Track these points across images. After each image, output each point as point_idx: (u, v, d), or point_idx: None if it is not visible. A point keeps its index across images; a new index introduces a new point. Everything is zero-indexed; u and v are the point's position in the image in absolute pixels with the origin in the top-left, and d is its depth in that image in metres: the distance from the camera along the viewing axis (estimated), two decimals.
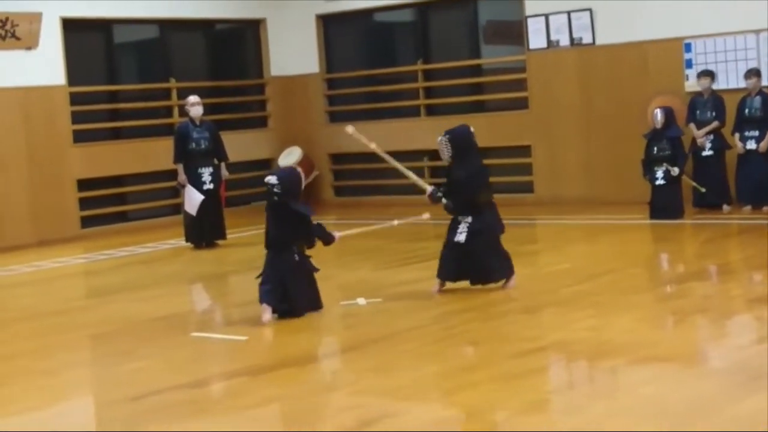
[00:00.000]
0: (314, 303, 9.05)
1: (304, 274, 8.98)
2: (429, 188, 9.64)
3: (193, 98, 13.78)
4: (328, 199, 18.02)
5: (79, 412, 6.96)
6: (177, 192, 16.77)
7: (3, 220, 14.85)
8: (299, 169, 9.37)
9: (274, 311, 8.81)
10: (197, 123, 13.67)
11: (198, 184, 13.45)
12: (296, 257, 8.88)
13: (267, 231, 8.99)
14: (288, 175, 9.02)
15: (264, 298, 8.81)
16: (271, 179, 8.83)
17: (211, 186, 13.55)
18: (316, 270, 9.05)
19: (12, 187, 14.95)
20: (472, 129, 9.59)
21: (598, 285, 9.53)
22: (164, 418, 6.33)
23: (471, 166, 9.41)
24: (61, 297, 11.22)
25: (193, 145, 13.53)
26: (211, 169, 13.56)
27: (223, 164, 13.81)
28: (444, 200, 9.47)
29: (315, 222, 9.02)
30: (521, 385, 6.54)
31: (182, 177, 13.53)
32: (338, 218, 16.26)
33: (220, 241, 13.69)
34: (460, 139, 9.43)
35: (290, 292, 8.85)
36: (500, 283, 9.49)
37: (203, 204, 13.35)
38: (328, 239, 9.11)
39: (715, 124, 13.78)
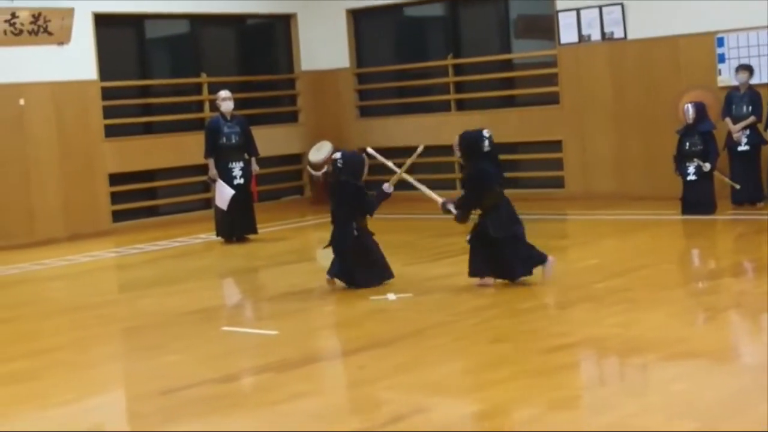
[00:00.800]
0: (379, 275, 9.84)
1: (363, 248, 9.79)
2: (440, 200, 9.83)
3: (224, 93, 13.82)
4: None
5: (112, 406, 7.00)
6: (208, 186, 16.86)
7: (36, 214, 14.96)
8: (364, 155, 10.14)
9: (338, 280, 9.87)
10: (228, 118, 13.70)
11: (228, 179, 13.49)
12: (355, 233, 9.74)
13: (331, 208, 9.99)
14: (351, 156, 10.10)
15: (329, 269, 9.91)
16: (337, 155, 9.96)
17: (242, 181, 13.59)
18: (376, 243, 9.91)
19: (44, 182, 15.05)
20: (487, 134, 9.63)
21: (630, 281, 9.49)
22: (195, 412, 6.36)
23: (472, 169, 9.62)
24: (95, 291, 11.31)
25: (224, 139, 13.57)
26: (241, 164, 13.60)
27: (253, 159, 13.84)
28: (453, 211, 9.61)
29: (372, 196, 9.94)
30: (551, 381, 6.52)
31: (213, 171, 13.58)
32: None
33: (250, 236, 13.73)
34: (467, 143, 9.68)
35: (348, 266, 9.76)
36: (532, 277, 9.50)
37: (234, 199, 13.39)
38: (383, 198, 10.00)
39: (751, 118, 13.66)
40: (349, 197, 9.78)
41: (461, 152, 9.75)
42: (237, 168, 13.55)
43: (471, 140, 9.65)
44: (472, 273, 9.61)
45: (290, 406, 6.36)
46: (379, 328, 8.38)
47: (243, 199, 13.60)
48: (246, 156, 13.74)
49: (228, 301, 10.76)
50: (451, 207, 9.63)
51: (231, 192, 13.42)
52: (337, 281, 9.95)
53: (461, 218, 9.64)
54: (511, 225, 9.52)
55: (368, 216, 9.93)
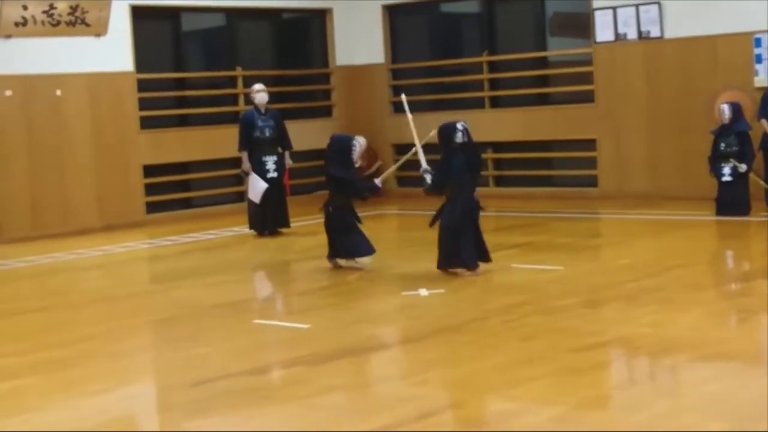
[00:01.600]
0: (356, 250, 10.73)
1: (338, 225, 10.74)
2: (424, 165, 10.27)
3: (258, 86, 13.87)
4: (392, 190, 18.01)
5: (144, 396, 7.07)
6: (241, 179, 16.93)
7: (70, 204, 15.06)
8: (357, 140, 10.71)
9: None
10: (262, 111, 13.73)
11: (262, 173, 13.52)
12: (330, 210, 10.74)
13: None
14: (337, 140, 10.98)
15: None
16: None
17: (275, 174, 13.63)
18: (359, 221, 10.85)
19: (80, 172, 15.15)
20: (461, 126, 10.00)
21: (662, 281, 9.44)
22: (226, 405, 6.39)
23: (441, 159, 10.04)
24: (128, 281, 11.39)
25: (258, 133, 13.61)
26: (275, 158, 13.62)
27: (287, 153, 13.87)
28: (427, 182, 10.15)
29: (361, 181, 11.03)
30: (582, 380, 6.51)
31: (246, 165, 13.62)
32: (400, 209, 16.31)
33: (283, 230, 13.76)
34: (442, 133, 10.11)
35: (330, 239, 10.86)
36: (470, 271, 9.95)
37: (267, 192, 13.43)
38: (371, 191, 11.03)
39: None
40: (330, 180, 10.78)
41: (438, 142, 10.16)
42: (270, 162, 13.58)
43: (445, 132, 10.07)
44: (438, 265, 10.09)
45: (321, 399, 6.38)
46: (411, 324, 8.39)
47: (276, 192, 13.63)
48: (280, 150, 13.77)
49: (260, 295, 10.80)
50: (428, 177, 10.16)
51: (264, 185, 13.47)
52: (340, 261, 10.80)
53: (427, 193, 10.28)
54: (462, 220, 9.88)
55: (350, 198, 10.85)
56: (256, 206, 13.58)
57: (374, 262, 10.95)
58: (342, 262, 10.84)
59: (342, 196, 10.78)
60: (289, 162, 13.93)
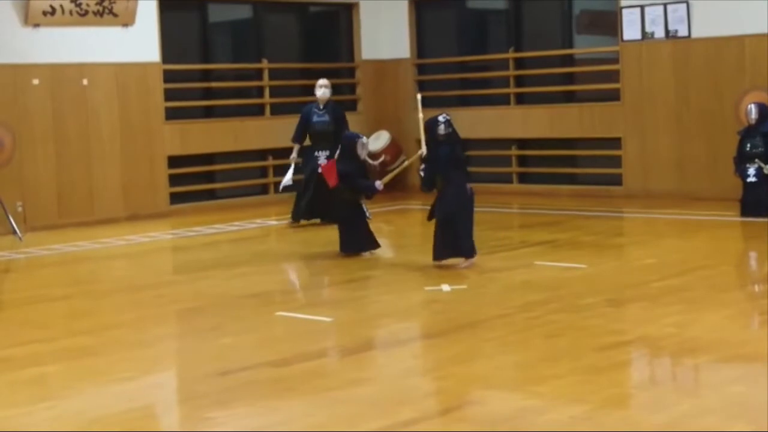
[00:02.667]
0: (359, 245, 11.16)
1: (348, 220, 11.18)
2: (420, 162, 10.66)
3: (320, 81, 14.12)
4: (416, 185, 18.00)
5: (169, 385, 7.12)
6: (265, 172, 17.06)
7: (96, 193, 15.14)
8: (360, 139, 11.21)
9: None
10: (321, 106, 13.95)
11: (313, 166, 13.63)
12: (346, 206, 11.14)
13: None
14: (345, 137, 11.62)
15: None
16: None
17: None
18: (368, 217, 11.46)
19: (105, 161, 15.22)
20: (442, 119, 10.25)
21: (687, 281, 9.42)
22: (250, 395, 6.43)
23: (428, 152, 10.37)
24: (153, 271, 11.46)
25: (313, 127, 13.79)
26: (327, 152, 13.57)
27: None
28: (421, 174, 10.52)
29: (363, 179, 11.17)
30: (604, 378, 6.51)
31: (293, 156, 13.90)
32: (424, 204, 16.28)
33: (320, 222, 13.78)
34: (426, 127, 10.48)
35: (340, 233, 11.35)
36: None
37: (316, 184, 13.39)
38: (369, 191, 11.20)
39: None
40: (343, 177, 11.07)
41: (424, 137, 10.49)
42: (322, 156, 13.66)
43: (428, 125, 10.41)
44: (433, 257, 10.27)
45: (344, 392, 6.41)
46: (434, 319, 8.41)
47: (322, 186, 13.62)
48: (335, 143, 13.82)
49: (285, 287, 10.83)
50: (422, 173, 10.45)
51: (286, 179, 13.61)
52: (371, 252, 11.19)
53: (423, 190, 10.84)
54: (456, 210, 10.11)
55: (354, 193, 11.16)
56: (299, 195, 13.83)
57: (397, 256, 10.97)
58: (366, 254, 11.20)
59: (348, 191, 11.12)
60: None
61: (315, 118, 13.84)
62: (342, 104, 18.29)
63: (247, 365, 7.04)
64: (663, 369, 6.99)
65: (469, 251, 10.23)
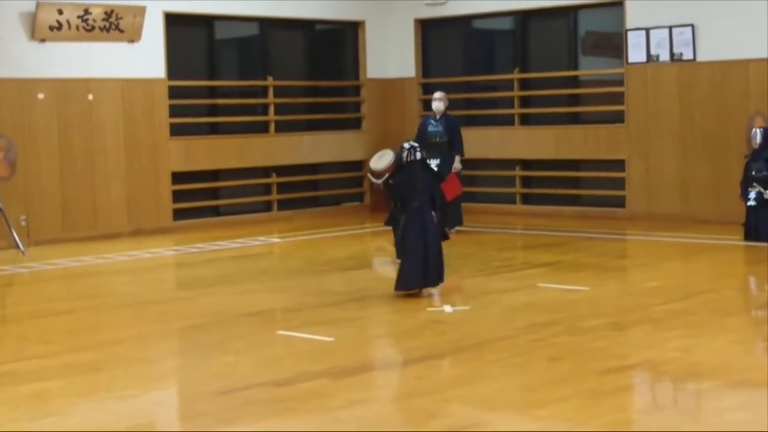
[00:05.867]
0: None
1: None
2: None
3: (436, 94, 14.75)
4: None
5: (171, 402, 7.11)
6: (270, 189, 17.07)
7: (100, 207, 15.15)
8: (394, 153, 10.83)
9: None
10: (437, 117, 14.50)
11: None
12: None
13: None
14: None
15: None
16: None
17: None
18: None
19: (109, 176, 15.23)
20: (407, 145, 10.26)
21: (690, 305, 9.41)
22: (251, 414, 6.41)
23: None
24: (156, 287, 11.46)
25: (428, 138, 14.21)
26: (438, 161, 13.96)
27: (457, 157, 14.35)
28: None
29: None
30: (607, 402, 6.49)
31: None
32: None
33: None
34: (396, 155, 10.50)
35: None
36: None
37: None
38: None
39: None
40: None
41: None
42: (433, 164, 13.88)
43: (397, 152, 10.50)
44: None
45: (346, 412, 6.39)
46: (437, 340, 8.39)
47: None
48: (449, 152, 14.33)
49: (286, 305, 10.79)
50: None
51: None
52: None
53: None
54: (415, 239, 9.93)
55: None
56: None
57: None
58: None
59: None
60: (456, 166, 14.28)
61: (431, 129, 14.49)
62: (347, 122, 18.40)
63: (249, 384, 7.02)
64: (666, 394, 6.97)
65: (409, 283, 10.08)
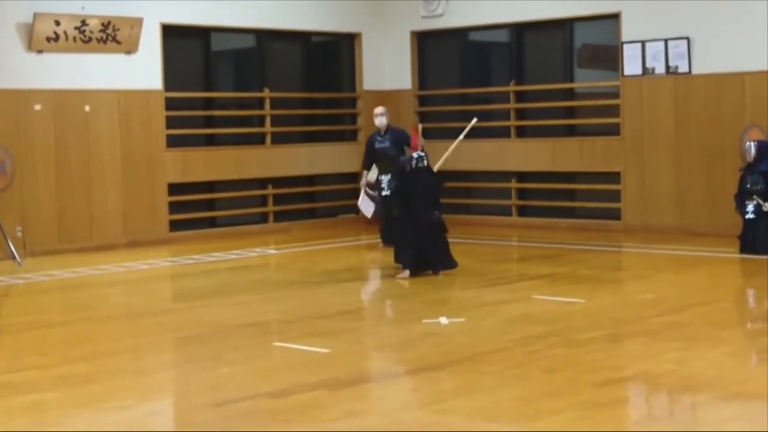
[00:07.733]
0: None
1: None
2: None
3: (377, 109, 14.63)
4: None
5: (166, 414, 7.10)
6: (266, 200, 17.10)
7: (96, 219, 15.15)
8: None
9: None
10: (382, 132, 14.40)
11: (378, 190, 14.13)
12: None
13: None
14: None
15: None
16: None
17: (389, 192, 13.86)
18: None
19: (106, 187, 15.24)
20: (416, 155, 11.95)
21: (686, 317, 9.42)
22: (247, 426, 6.41)
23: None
24: (152, 298, 11.46)
25: (378, 154, 14.22)
26: (389, 177, 13.92)
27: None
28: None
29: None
30: (603, 414, 6.50)
31: (362, 181, 14.40)
32: None
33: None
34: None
35: None
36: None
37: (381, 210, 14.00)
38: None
39: None
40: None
41: None
42: (385, 180, 13.99)
43: (402, 162, 12.51)
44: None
45: (341, 424, 6.40)
46: (432, 352, 8.38)
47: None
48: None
49: (281, 316, 10.79)
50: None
51: (368, 207, 14.17)
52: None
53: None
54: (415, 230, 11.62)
55: None
56: (382, 220, 14.28)
57: (395, 287, 10.99)
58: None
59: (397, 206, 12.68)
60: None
61: (377, 144, 14.36)
62: (343, 134, 18.42)
63: (245, 396, 7.02)
64: (661, 406, 6.98)
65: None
